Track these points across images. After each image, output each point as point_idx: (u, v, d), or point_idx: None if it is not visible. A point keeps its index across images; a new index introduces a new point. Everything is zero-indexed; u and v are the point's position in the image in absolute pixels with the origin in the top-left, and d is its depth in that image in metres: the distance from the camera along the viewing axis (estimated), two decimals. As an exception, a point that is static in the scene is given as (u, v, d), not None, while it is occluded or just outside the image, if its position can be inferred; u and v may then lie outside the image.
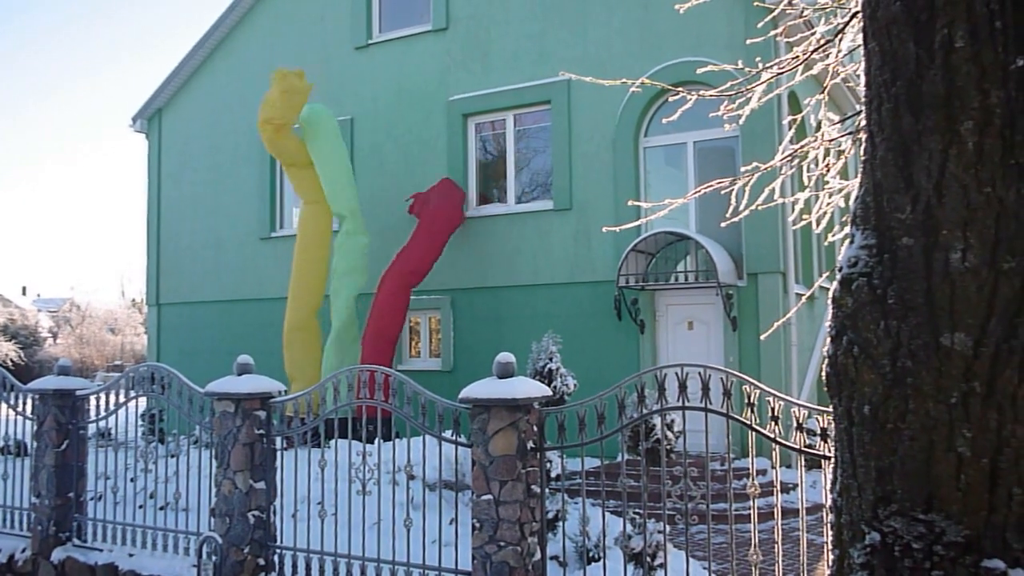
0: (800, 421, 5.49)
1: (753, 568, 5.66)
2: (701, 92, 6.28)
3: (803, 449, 5.47)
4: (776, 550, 5.68)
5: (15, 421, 9.51)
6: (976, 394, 2.46)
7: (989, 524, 2.45)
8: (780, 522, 5.69)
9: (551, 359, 9.88)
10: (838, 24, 5.82)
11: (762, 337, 9.00)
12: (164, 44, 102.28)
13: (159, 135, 18.68)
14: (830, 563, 2.85)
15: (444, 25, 15.20)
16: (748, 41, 7.82)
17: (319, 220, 14.20)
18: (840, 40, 5.73)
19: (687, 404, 5.78)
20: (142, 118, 18.72)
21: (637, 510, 7.40)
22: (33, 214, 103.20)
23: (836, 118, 6.67)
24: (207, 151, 17.94)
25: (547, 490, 6.65)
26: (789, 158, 6.34)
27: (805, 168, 6.55)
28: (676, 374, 5.76)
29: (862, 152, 2.84)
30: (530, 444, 6.27)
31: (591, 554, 7.06)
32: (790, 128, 6.59)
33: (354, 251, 13.87)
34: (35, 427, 8.89)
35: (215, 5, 78.97)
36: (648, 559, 6.75)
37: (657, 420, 9.15)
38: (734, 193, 6.50)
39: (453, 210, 14.28)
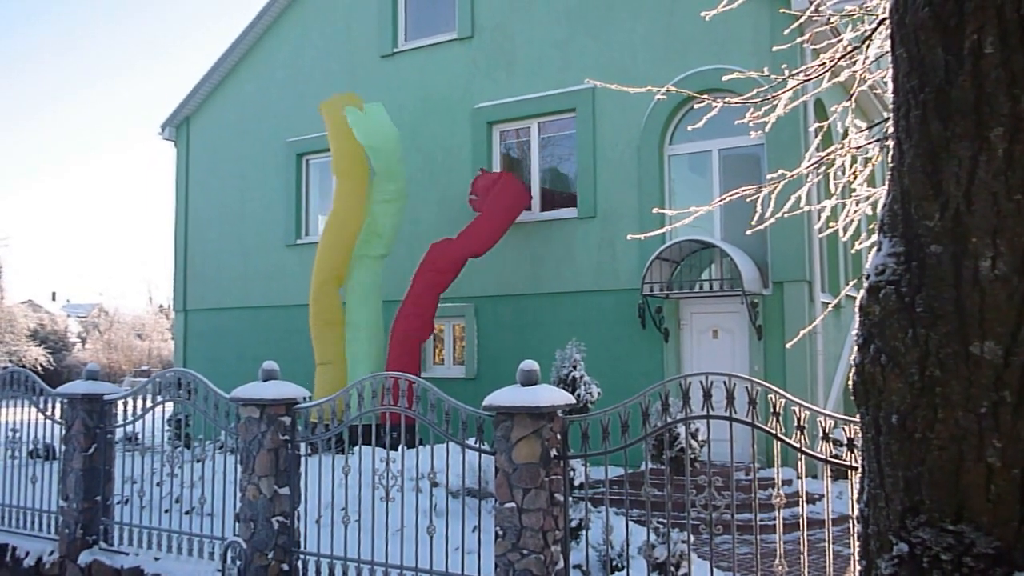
0: (826, 431, 5.45)
1: (778, 579, 5.61)
2: (726, 99, 6.26)
3: (829, 459, 5.42)
4: (802, 561, 5.63)
5: (44, 425, 9.63)
6: (1006, 403, 2.42)
7: (1020, 535, 2.41)
8: (806, 533, 5.63)
9: (575, 367, 9.87)
10: (865, 30, 5.78)
11: (788, 346, 8.94)
12: (194, 49, 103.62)
13: (187, 142, 18.89)
14: (857, 574, 2.82)
15: (469, 33, 15.25)
16: (774, 48, 7.80)
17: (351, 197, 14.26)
18: (867, 47, 5.69)
19: (712, 413, 5.75)
20: (171, 126, 18.95)
21: (661, 519, 7.37)
22: (63, 220, 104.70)
23: (863, 125, 6.61)
24: (234, 159, 18.11)
25: (570, 498, 6.64)
26: (815, 165, 6.30)
27: (832, 175, 6.50)
28: (701, 383, 5.73)
29: (890, 159, 2.82)
30: (553, 452, 6.26)
31: (614, 563, 7.03)
32: (816, 135, 6.55)
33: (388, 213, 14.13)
34: (63, 431, 9.00)
35: (244, 11, 79.83)
36: (672, 569, 6.71)
37: (681, 429, 9.11)
38: (760, 201, 6.46)
39: (520, 195, 14.20)
